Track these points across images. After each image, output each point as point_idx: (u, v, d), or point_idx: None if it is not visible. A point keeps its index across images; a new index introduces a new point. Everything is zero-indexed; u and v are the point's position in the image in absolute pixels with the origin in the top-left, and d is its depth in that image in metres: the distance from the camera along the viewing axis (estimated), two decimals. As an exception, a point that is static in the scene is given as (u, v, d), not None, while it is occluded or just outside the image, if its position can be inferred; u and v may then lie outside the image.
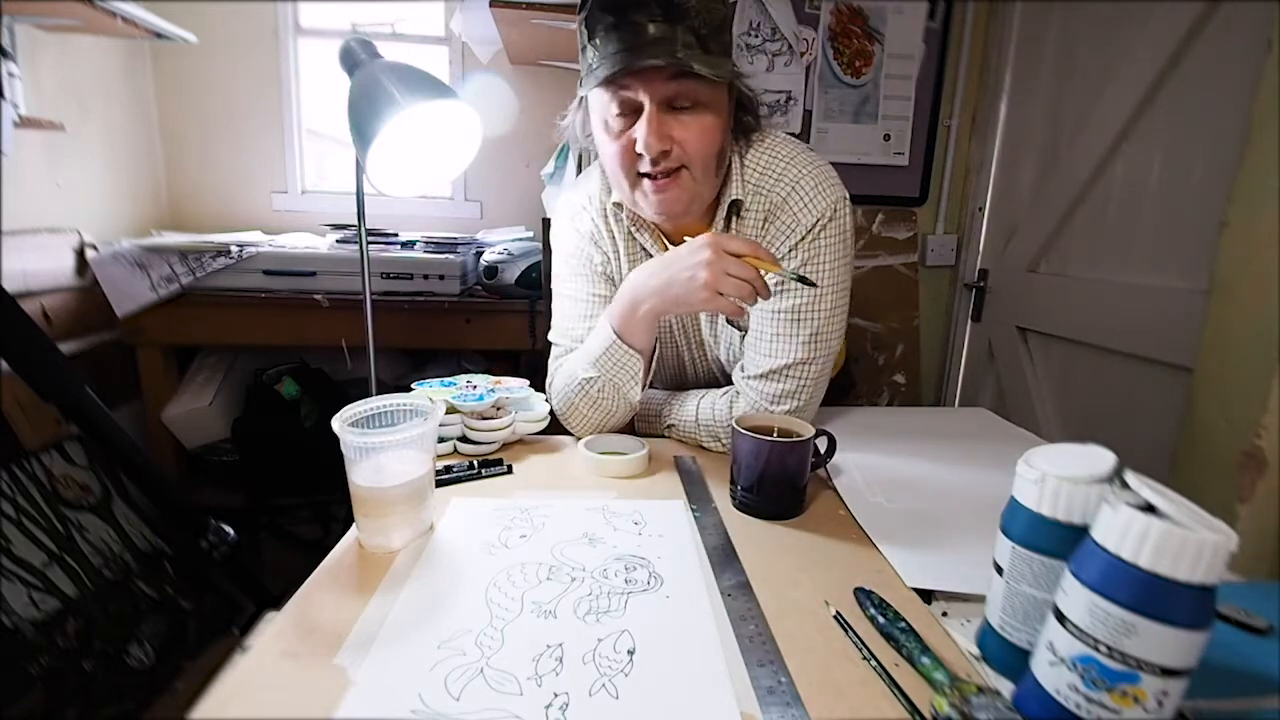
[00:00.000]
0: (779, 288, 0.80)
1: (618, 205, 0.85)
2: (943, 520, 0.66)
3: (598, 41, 0.71)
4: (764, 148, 0.82)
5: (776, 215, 0.81)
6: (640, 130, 0.72)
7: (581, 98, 0.79)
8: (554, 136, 0.91)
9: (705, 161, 0.75)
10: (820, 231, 0.79)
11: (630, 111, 0.73)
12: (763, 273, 0.71)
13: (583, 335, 0.87)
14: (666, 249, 0.85)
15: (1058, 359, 1.52)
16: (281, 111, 2.01)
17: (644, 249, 0.88)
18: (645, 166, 0.74)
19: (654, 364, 0.86)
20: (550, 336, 0.93)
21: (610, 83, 0.71)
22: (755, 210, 0.82)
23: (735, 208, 0.82)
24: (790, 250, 0.80)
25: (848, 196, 0.81)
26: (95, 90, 1.72)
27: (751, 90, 0.81)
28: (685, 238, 0.77)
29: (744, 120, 0.81)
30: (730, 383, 0.88)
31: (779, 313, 0.80)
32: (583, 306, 0.89)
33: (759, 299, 0.71)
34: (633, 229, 0.86)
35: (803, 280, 0.70)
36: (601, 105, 0.75)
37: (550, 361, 0.92)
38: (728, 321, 0.88)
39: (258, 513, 1.67)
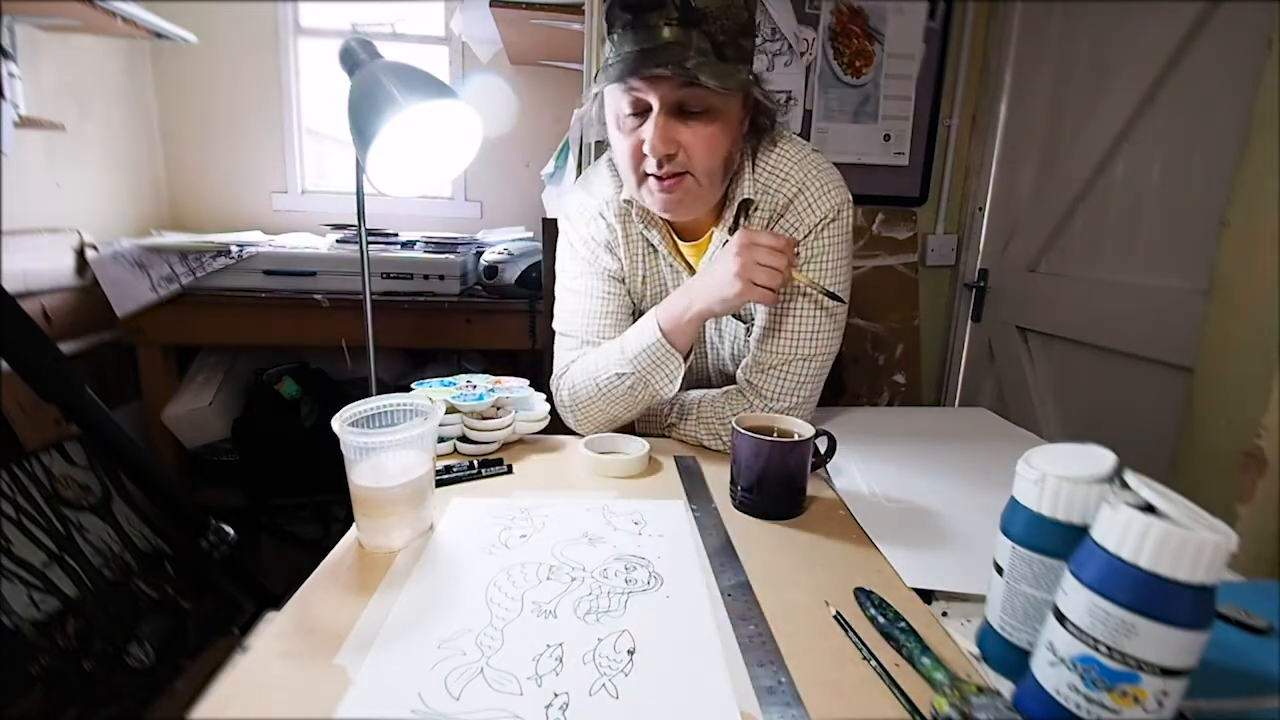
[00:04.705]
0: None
1: (628, 202, 0.85)
2: (943, 520, 0.66)
3: (615, 38, 0.72)
4: (775, 150, 0.82)
5: (783, 215, 0.81)
6: (647, 132, 0.72)
7: (598, 91, 0.80)
8: (571, 124, 0.91)
9: (709, 169, 0.76)
10: (823, 230, 0.80)
11: (642, 110, 0.73)
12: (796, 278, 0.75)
13: (600, 332, 0.87)
14: (676, 246, 0.87)
15: (1058, 359, 1.52)
16: (281, 111, 2.01)
17: (652, 245, 0.88)
18: (651, 167, 0.75)
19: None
20: (557, 328, 0.92)
21: (621, 82, 0.72)
22: (764, 209, 0.82)
23: (745, 207, 0.82)
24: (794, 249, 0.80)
25: (852, 200, 0.82)
26: (95, 90, 1.72)
27: (769, 97, 0.80)
28: (693, 238, 0.84)
29: (759, 122, 0.81)
30: (728, 384, 0.88)
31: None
32: (598, 304, 0.89)
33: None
34: (643, 227, 0.86)
35: (830, 295, 0.75)
36: (614, 102, 0.75)
37: (560, 353, 0.91)
38: (734, 315, 0.88)
39: (258, 513, 1.67)
